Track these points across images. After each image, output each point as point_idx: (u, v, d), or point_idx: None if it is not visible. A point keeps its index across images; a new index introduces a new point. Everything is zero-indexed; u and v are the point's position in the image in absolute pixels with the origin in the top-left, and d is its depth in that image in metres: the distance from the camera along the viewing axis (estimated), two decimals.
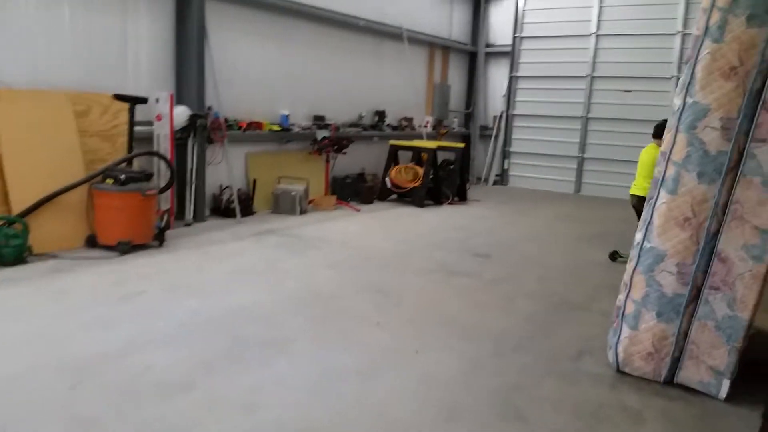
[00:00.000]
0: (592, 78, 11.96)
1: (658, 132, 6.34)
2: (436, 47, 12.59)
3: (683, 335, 3.47)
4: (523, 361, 3.82)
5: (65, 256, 5.70)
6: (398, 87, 11.48)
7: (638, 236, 3.62)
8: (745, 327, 3.26)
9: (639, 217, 6.62)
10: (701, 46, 3.29)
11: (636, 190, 6.64)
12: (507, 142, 13.09)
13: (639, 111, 11.42)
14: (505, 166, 13.12)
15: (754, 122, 3.16)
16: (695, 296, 3.42)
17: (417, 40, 11.74)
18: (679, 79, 10.91)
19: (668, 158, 3.44)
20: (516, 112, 12.98)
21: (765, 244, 3.16)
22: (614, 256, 6.69)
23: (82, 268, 5.39)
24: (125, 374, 3.40)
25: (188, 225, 7.42)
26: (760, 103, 3.14)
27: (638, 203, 6.71)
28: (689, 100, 3.35)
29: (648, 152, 6.53)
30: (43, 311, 4.31)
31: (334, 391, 3.31)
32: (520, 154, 13.00)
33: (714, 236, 3.33)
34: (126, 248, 5.95)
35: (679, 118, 3.39)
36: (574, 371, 3.72)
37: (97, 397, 3.14)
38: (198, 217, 7.66)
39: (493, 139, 13.28)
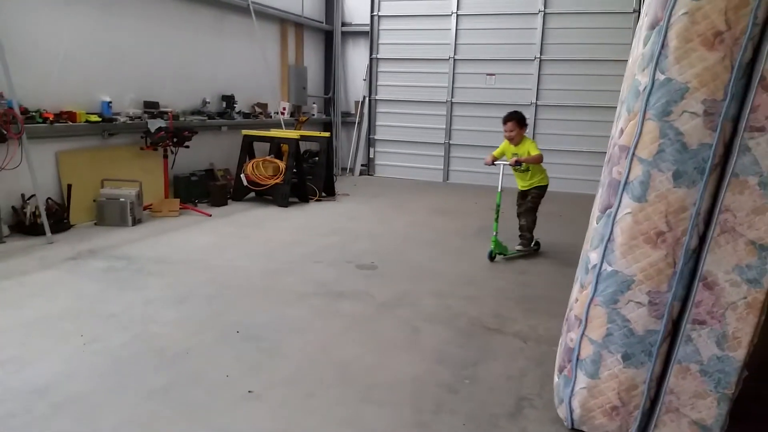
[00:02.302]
0: (455, 60, 11.40)
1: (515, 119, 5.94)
2: (289, 24, 11.27)
3: (657, 382, 2.69)
4: (452, 428, 2.84)
5: None
6: (248, 69, 10.02)
7: (593, 257, 2.77)
8: (738, 369, 2.55)
9: None
10: (675, 4, 2.47)
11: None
12: (371, 129, 12.19)
13: (503, 95, 11.06)
14: (371, 155, 12.23)
15: (747, 105, 2.41)
16: (672, 332, 2.65)
17: (266, 14, 10.34)
18: (538, 60, 10.77)
19: (632, 154, 2.61)
20: (379, 96, 12.10)
21: (764, 263, 2.44)
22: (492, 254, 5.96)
23: None
24: None
25: None
26: (755, 79, 2.38)
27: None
28: (660, 77, 2.53)
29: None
30: None
31: None
32: (385, 142, 12.17)
33: (696, 255, 2.56)
34: None
35: (647, 101, 2.56)
36: None
37: None
38: None
39: (356, 126, 12.30)
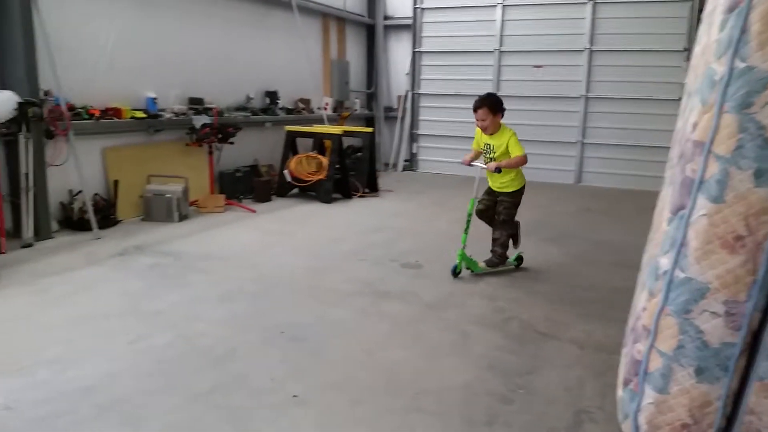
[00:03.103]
0: (501, 53, 11.11)
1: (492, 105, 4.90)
2: (331, 18, 11.20)
3: (733, 400, 2.47)
4: None
5: None
6: (291, 64, 9.99)
7: (664, 262, 2.55)
8: None
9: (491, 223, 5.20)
10: None
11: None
12: (414, 124, 12.02)
13: (551, 87, 10.74)
14: (414, 151, 12.07)
15: None
16: (751, 346, 2.42)
17: (308, 9, 10.28)
18: (588, 51, 10.38)
19: (707, 150, 2.38)
20: (422, 91, 11.91)
21: None
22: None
23: None
24: None
25: (28, 246, 5.66)
26: None
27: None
28: (740, 65, 2.29)
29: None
30: None
31: None
32: (429, 137, 11.98)
33: None
34: None
35: (724, 92, 2.33)
36: None
37: None
38: (42, 233, 5.90)
39: (399, 121, 12.15)
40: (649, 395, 2.59)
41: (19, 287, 4.53)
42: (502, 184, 5.10)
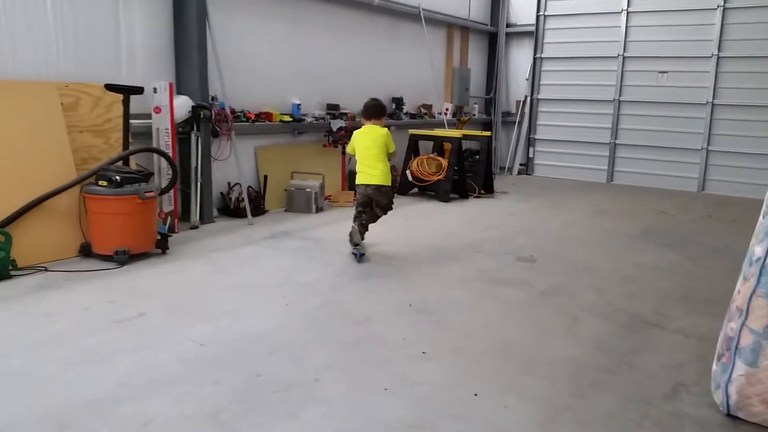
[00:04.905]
0: (624, 58, 11.12)
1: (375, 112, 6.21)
2: (455, 28, 11.78)
3: None
4: (608, 404, 3.10)
5: (56, 268, 5.04)
6: (416, 72, 10.70)
7: (758, 250, 2.87)
8: None
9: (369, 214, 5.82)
10: None
11: (376, 178, 5.79)
12: (532, 128, 12.28)
13: (676, 93, 10.61)
14: (531, 155, 12.33)
15: None
16: None
17: (434, 20, 10.94)
18: (715, 57, 10.12)
19: None
20: (541, 96, 12.16)
21: None
22: None
23: (72, 283, 4.72)
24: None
25: (195, 228, 6.73)
26: None
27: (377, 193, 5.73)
28: None
29: (376, 132, 6.01)
30: (25, 341, 3.63)
31: None
32: (546, 142, 12.20)
33: None
34: (124, 258, 5.28)
35: None
36: (674, 416, 2.99)
37: None
38: (205, 218, 6.97)
39: (516, 125, 12.48)
40: (740, 368, 2.92)
41: (193, 260, 5.51)
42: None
